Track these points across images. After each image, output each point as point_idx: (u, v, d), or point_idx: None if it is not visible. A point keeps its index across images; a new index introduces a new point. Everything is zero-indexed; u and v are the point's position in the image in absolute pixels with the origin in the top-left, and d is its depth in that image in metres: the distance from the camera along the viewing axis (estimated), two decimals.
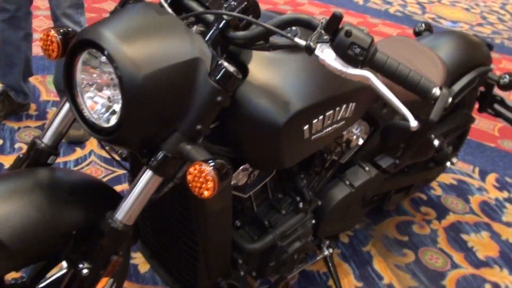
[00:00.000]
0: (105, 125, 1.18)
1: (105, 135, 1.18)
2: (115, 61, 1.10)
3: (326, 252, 2.02)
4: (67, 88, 1.22)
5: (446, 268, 2.28)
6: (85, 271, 1.23)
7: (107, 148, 1.76)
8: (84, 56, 1.17)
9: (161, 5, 1.28)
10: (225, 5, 1.25)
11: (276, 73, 1.35)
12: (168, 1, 1.30)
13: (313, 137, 1.44)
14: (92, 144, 2.70)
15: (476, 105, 2.41)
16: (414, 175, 2.26)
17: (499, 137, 3.32)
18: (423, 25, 2.39)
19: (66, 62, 1.20)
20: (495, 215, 2.64)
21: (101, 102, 1.19)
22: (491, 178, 2.93)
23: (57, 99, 2.98)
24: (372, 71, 1.17)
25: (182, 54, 1.15)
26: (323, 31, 1.15)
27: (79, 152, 2.63)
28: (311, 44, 1.14)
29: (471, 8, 5.81)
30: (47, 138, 1.37)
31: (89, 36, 1.13)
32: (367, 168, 1.94)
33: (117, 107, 1.16)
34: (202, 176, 1.12)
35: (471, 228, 2.53)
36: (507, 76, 2.20)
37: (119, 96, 1.13)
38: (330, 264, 2.06)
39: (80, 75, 1.20)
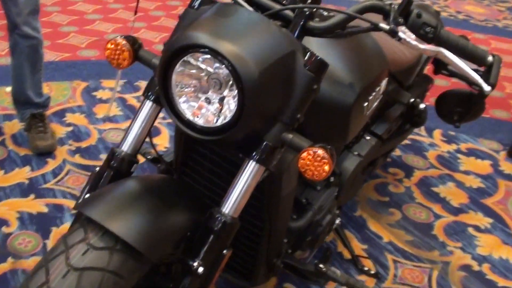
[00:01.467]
0: (213, 125, 1.20)
1: (212, 135, 1.21)
2: (232, 62, 1.12)
3: (338, 221, 2.14)
4: (164, 94, 1.22)
5: (431, 219, 2.48)
6: (200, 269, 1.24)
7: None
8: (185, 58, 1.18)
9: (239, 4, 1.30)
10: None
11: (334, 56, 1.43)
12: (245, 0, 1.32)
13: (367, 112, 1.54)
14: (62, 152, 2.61)
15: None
16: (396, 138, 2.43)
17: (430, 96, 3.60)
18: None
19: (163, 69, 1.20)
20: (453, 166, 2.89)
21: (207, 105, 1.21)
22: (437, 133, 3.19)
23: (7, 112, 2.84)
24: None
25: (282, 48, 1.19)
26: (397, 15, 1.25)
27: (52, 163, 2.54)
28: (394, 27, 1.24)
29: None
30: (127, 146, 1.36)
31: (197, 41, 1.14)
32: (368, 138, 2.07)
33: (228, 106, 1.18)
34: (317, 160, 1.18)
35: (438, 180, 2.76)
36: None
37: (230, 96, 1.16)
38: (340, 232, 2.19)
39: (182, 80, 1.21)
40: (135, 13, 1.75)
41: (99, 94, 3.17)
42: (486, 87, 1.29)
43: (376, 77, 1.54)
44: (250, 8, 1.29)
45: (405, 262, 2.22)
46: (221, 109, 1.19)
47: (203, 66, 1.19)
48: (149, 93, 1.35)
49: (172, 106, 1.24)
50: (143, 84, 3.33)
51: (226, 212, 1.27)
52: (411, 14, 1.24)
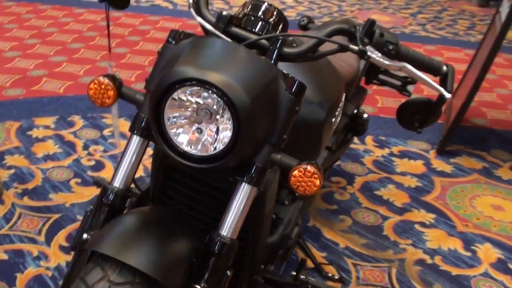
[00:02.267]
0: (209, 153, 1.26)
1: (207, 163, 1.26)
2: (226, 92, 1.19)
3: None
4: (156, 126, 1.27)
5: (379, 221, 2.62)
6: None
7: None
8: (176, 94, 1.24)
9: (218, 36, 1.36)
10: (259, 26, 1.39)
11: (301, 78, 1.52)
12: (221, 32, 1.38)
13: (334, 126, 1.64)
14: (9, 196, 2.55)
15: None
16: (341, 149, 2.55)
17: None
18: (305, 18, 2.67)
19: (155, 103, 1.25)
20: (389, 169, 3.06)
21: (199, 135, 1.26)
22: (369, 139, 3.36)
23: None
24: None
25: (266, 75, 1.27)
26: (362, 36, 1.36)
27: (1, 209, 2.47)
28: (363, 48, 1.35)
29: None
30: (118, 182, 1.38)
31: (189, 75, 1.20)
32: None
33: (223, 134, 1.24)
34: (308, 176, 1.27)
35: (378, 184, 2.92)
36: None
37: (223, 124, 1.23)
38: (301, 243, 2.28)
39: (174, 113, 1.26)
40: (109, 50, 1.77)
41: (34, 133, 3.12)
42: (447, 94, 1.42)
43: (338, 93, 1.65)
44: (228, 39, 1.36)
45: (364, 264, 2.34)
46: (216, 137, 1.25)
47: (192, 99, 1.25)
48: (135, 129, 1.38)
49: (164, 138, 1.29)
50: (76, 119, 3.30)
51: (225, 234, 1.32)
52: (375, 34, 1.36)
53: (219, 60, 1.25)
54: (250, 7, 1.41)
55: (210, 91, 1.21)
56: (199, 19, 1.40)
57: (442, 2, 6.86)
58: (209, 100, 1.23)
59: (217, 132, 1.25)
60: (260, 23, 1.39)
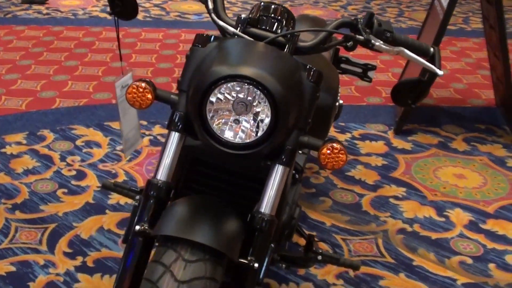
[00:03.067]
0: (250, 140, 1.40)
1: (248, 149, 1.40)
2: (265, 84, 1.34)
3: None
4: (200, 120, 1.39)
5: (356, 199, 2.82)
6: (256, 264, 1.43)
7: None
8: (217, 90, 1.37)
9: (241, 36, 1.50)
10: (274, 25, 1.54)
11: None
12: (241, 31, 1.52)
13: (336, 111, 1.81)
14: (0, 212, 2.58)
15: None
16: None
17: None
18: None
19: (199, 101, 1.38)
20: (355, 152, 3.27)
21: (236, 125, 1.40)
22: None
23: None
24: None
25: (291, 67, 1.43)
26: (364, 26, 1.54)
27: None
28: (368, 37, 1.52)
29: None
30: (162, 175, 1.49)
31: (226, 73, 1.35)
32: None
33: (261, 122, 1.39)
34: (336, 154, 1.43)
35: (348, 166, 3.12)
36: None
37: (262, 114, 1.37)
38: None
39: (215, 108, 1.39)
40: (120, 59, 1.87)
41: (8, 150, 3.13)
42: (440, 72, 1.61)
43: (337, 82, 1.82)
44: (251, 39, 1.50)
45: (352, 238, 2.52)
46: (255, 125, 1.39)
47: (230, 94, 1.38)
48: (173, 126, 1.50)
49: (206, 131, 1.42)
50: (45, 132, 3.33)
51: (266, 212, 1.46)
52: (374, 25, 1.54)
53: (249, 57, 1.39)
54: (262, 8, 1.55)
55: (247, 85, 1.35)
56: (221, 23, 1.53)
57: None
58: (247, 93, 1.37)
59: (255, 120, 1.39)
60: (274, 22, 1.54)
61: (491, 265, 2.38)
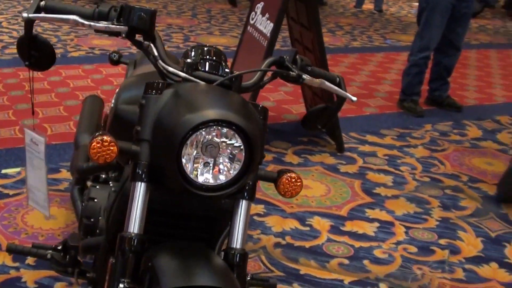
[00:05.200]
0: (226, 180, 1.41)
1: (221, 190, 1.42)
2: (241, 126, 1.36)
3: None
4: (177, 167, 1.36)
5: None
6: None
7: None
8: (194, 136, 1.36)
9: (192, 81, 1.50)
10: (215, 67, 1.56)
11: None
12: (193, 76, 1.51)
13: None
14: None
15: None
16: None
17: None
18: (116, 54, 2.68)
19: (178, 147, 1.34)
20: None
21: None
22: None
23: None
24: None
25: (247, 106, 1.47)
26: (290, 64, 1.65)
27: None
28: (300, 72, 1.62)
29: None
30: (135, 228, 1.41)
31: (211, 117, 1.34)
32: None
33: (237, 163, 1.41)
34: (294, 182, 1.51)
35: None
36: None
37: (230, 155, 1.40)
38: None
39: (189, 153, 1.37)
40: (33, 112, 1.70)
41: None
42: (354, 98, 1.76)
43: None
44: (203, 82, 1.50)
45: None
46: (229, 166, 1.41)
47: (204, 138, 1.38)
48: (137, 177, 1.42)
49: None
50: None
51: (239, 247, 1.47)
52: (297, 61, 1.65)
53: (215, 101, 1.40)
54: (200, 52, 1.57)
55: (224, 128, 1.37)
56: (171, 69, 1.50)
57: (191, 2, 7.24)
58: (220, 135, 1.38)
59: (231, 160, 1.40)
60: (214, 63, 1.56)
61: (366, 262, 2.63)
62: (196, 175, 1.39)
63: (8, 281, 2.29)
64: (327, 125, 1.88)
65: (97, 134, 1.38)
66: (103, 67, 5.22)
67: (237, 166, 1.41)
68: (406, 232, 2.90)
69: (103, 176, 2.29)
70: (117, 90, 1.87)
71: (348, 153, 3.79)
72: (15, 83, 4.64)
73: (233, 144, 1.39)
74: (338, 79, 1.77)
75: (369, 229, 2.90)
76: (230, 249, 1.47)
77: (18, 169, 3.20)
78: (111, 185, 2.11)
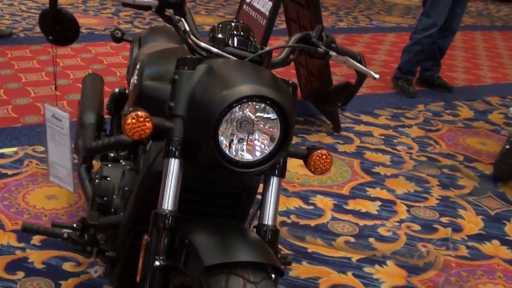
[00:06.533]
0: (262, 156, 1.40)
1: (256, 167, 1.40)
2: (278, 101, 1.35)
3: None
4: (215, 143, 1.35)
5: None
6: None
7: None
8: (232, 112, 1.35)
9: (224, 56, 1.48)
10: (246, 42, 1.55)
11: None
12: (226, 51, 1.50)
13: None
14: None
15: None
16: None
17: None
18: (119, 31, 2.63)
19: (216, 122, 1.33)
20: None
21: (241, 144, 1.40)
22: None
23: None
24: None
25: (279, 82, 1.46)
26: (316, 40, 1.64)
27: None
28: (327, 49, 1.61)
29: None
30: (170, 205, 1.40)
31: (249, 92, 1.33)
32: None
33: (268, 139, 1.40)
34: (324, 159, 1.51)
35: None
36: None
37: (265, 130, 1.39)
38: None
39: (229, 129, 1.37)
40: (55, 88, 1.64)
41: None
42: (376, 75, 1.75)
43: None
44: (234, 58, 1.49)
45: None
46: (266, 143, 1.40)
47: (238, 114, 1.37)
48: (171, 153, 1.41)
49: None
50: None
51: (269, 223, 1.47)
52: (323, 37, 1.64)
53: (250, 76, 1.39)
54: (229, 28, 1.55)
55: (260, 103, 1.36)
56: (203, 44, 1.48)
57: None
58: (254, 110, 1.37)
59: (269, 137, 1.40)
60: (244, 39, 1.55)
61: (371, 239, 2.64)
62: (231, 151, 1.38)
63: (15, 262, 2.26)
64: (347, 103, 1.87)
65: (130, 110, 1.36)
66: (91, 46, 5.15)
67: (272, 143, 1.41)
68: (408, 211, 2.92)
69: (112, 154, 2.27)
70: (137, 67, 1.83)
71: (344, 133, 3.80)
72: (4, 62, 4.56)
73: (269, 118, 1.38)
74: (359, 56, 1.76)
75: (372, 207, 2.92)
76: (261, 225, 1.46)
77: (14, 149, 3.15)
78: (123, 163, 2.08)
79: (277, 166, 1.47)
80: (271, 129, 1.40)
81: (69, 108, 3.66)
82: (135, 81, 1.76)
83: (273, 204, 1.48)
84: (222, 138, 1.36)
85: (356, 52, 1.77)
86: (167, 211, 1.39)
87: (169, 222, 1.39)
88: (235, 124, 1.38)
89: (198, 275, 1.30)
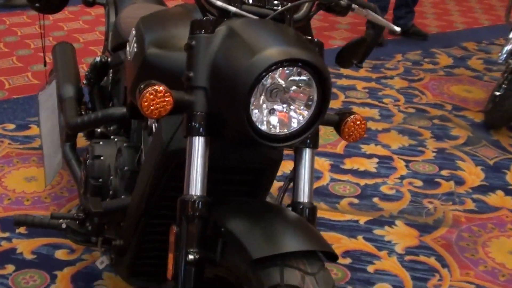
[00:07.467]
0: (297, 127, 1.24)
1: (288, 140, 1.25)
2: (317, 65, 1.19)
3: None
4: (247, 117, 1.18)
5: None
6: None
7: None
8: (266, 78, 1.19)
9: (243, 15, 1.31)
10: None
11: None
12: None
13: None
14: None
15: None
16: None
17: None
18: None
19: (248, 92, 1.17)
20: None
21: (273, 115, 1.24)
22: None
23: None
24: None
25: (307, 42, 1.31)
26: None
27: None
28: (350, 2, 1.45)
29: None
30: (198, 189, 1.24)
31: (285, 56, 1.17)
32: None
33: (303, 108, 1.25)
34: (358, 125, 1.38)
35: None
36: None
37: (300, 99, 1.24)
38: None
39: (261, 99, 1.21)
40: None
41: None
42: (397, 28, 1.60)
43: None
44: (254, 17, 1.32)
45: None
46: (302, 112, 1.25)
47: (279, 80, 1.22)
48: (194, 130, 1.24)
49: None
50: None
51: (305, 201, 1.33)
52: None
53: (279, 38, 1.23)
54: None
55: (294, 68, 1.20)
56: (219, 3, 1.29)
57: None
58: (288, 76, 1.22)
59: (307, 105, 1.24)
60: None
61: (375, 199, 2.53)
62: (263, 124, 1.22)
63: (2, 254, 2.07)
64: (363, 60, 1.72)
65: (146, 84, 1.18)
66: None
67: (307, 109, 1.25)
68: (406, 166, 2.82)
69: (99, 130, 2.08)
70: (132, 32, 1.62)
71: None
72: None
73: (303, 81, 1.22)
74: (376, 9, 1.61)
75: (370, 165, 2.80)
76: (297, 203, 1.33)
77: None
78: (115, 140, 1.88)
79: (309, 136, 1.32)
80: (306, 95, 1.24)
81: (36, 81, 3.41)
82: (135, 50, 1.56)
83: (308, 179, 1.34)
84: (256, 111, 1.20)
85: (372, 4, 1.62)
86: (195, 197, 1.23)
87: (200, 208, 1.22)
88: (264, 93, 1.22)
89: (242, 268, 1.16)
